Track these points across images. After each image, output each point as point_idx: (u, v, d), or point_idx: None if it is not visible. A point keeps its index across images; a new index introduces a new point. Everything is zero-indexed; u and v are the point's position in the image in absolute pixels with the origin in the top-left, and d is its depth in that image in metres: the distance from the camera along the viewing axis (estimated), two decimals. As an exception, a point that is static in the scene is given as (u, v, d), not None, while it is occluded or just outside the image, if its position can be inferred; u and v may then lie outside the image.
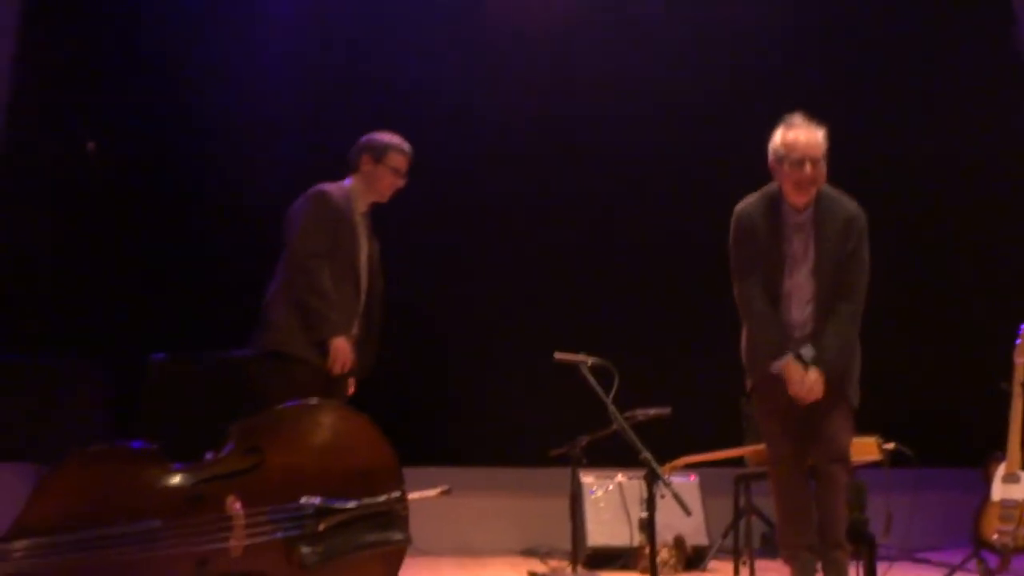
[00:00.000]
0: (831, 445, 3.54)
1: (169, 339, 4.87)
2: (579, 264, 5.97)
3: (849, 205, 3.59)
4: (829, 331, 3.52)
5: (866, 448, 3.77)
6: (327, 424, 2.91)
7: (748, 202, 3.67)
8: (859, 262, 3.57)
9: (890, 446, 3.79)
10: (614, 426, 3.17)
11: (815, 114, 3.56)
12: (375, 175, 3.84)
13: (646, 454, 2.94)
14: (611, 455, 4.14)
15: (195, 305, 5.42)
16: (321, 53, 6.01)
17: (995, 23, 6.22)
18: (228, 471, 2.73)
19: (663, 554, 4.49)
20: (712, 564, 4.77)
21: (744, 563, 4.37)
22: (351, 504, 2.80)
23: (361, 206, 3.86)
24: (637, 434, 3.05)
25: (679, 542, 4.62)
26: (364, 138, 3.90)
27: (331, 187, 3.80)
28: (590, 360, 3.40)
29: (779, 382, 3.54)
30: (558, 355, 3.50)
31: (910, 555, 4.83)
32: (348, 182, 3.87)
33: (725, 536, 4.82)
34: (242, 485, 2.71)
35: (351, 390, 3.89)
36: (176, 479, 2.67)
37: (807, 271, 3.55)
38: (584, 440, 4.40)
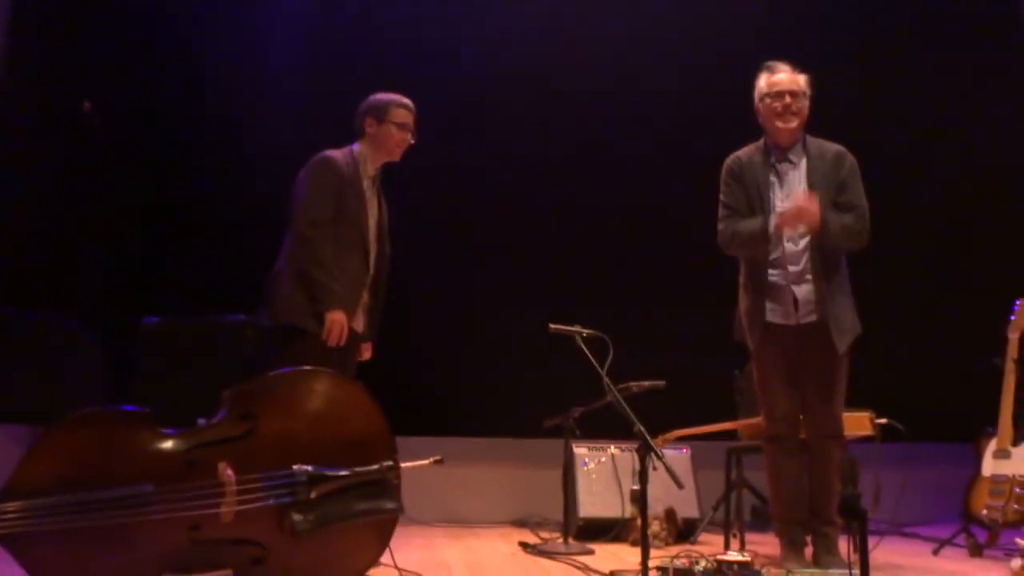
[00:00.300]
0: (825, 420, 3.56)
1: (163, 303, 4.86)
2: (575, 236, 5.96)
3: (836, 145, 3.69)
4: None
5: (859, 423, 3.79)
6: (320, 392, 2.89)
7: (737, 151, 3.77)
8: (855, 194, 3.61)
9: (882, 421, 3.81)
10: (608, 398, 3.16)
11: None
12: (381, 135, 3.79)
13: (639, 426, 2.93)
14: (604, 427, 4.15)
15: (190, 269, 5.40)
16: (327, 14, 5.96)
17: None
18: (220, 437, 2.72)
19: (654, 526, 4.50)
20: (703, 537, 4.79)
21: (735, 536, 4.41)
22: (343, 472, 2.79)
23: (370, 170, 3.80)
24: (631, 406, 3.04)
25: (670, 514, 4.64)
26: (365, 101, 3.85)
27: (336, 153, 3.75)
28: (585, 331, 3.39)
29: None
30: (553, 326, 3.49)
31: (899, 529, 4.86)
32: (356, 147, 3.82)
33: (716, 509, 4.84)
34: (234, 451, 2.70)
35: (367, 355, 3.91)
36: (169, 444, 2.67)
37: (799, 197, 3.55)
38: (577, 411, 4.42)
